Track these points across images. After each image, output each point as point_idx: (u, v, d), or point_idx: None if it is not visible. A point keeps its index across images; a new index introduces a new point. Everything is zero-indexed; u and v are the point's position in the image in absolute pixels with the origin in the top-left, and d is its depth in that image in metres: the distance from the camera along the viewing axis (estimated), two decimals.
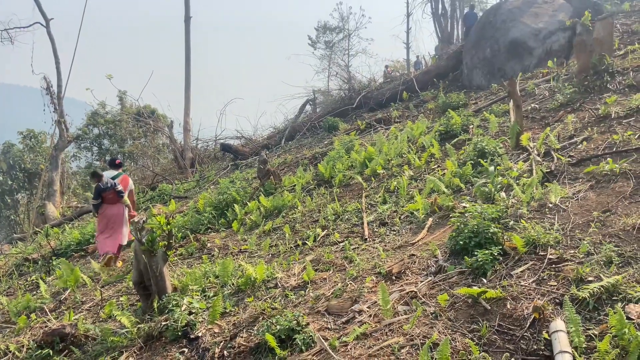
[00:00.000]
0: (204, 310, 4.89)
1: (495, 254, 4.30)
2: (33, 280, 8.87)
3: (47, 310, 6.37)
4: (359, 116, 16.48)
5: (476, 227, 4.66)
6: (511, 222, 4.91)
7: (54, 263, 9.75)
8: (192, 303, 4.95)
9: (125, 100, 30.34)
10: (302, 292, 4.81)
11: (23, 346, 5.03)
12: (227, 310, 4.78)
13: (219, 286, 5.41)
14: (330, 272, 5.15)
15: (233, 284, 5.33)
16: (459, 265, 4.48)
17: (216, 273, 5.68)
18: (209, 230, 8.34)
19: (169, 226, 5.05)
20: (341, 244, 5.84)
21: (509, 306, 3.76)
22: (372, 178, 8.02)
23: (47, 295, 7.27)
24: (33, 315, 6.26)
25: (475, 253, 4.37)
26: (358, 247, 5.64)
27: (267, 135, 18.82)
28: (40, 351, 4.78)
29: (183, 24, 19.77)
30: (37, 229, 15.31)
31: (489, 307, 3.79)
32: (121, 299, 5.93)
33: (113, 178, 8.13)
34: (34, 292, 8.24)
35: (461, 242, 4.61)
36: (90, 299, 6.66)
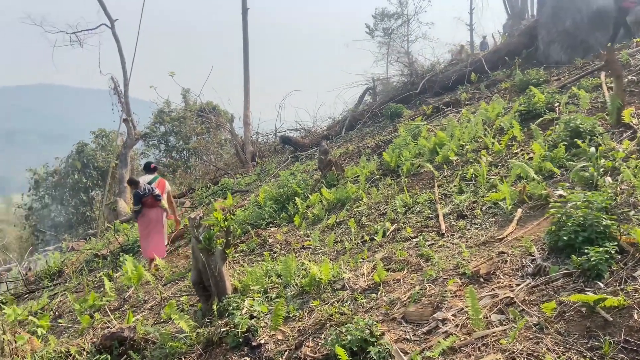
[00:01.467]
0: (266, 314, 4.46)
1: (612, 252, 3.52)
2: (100, 277, 8.93)
3: (108, 310, 6.24)
4: (424, 101, 15.57)
5: (582, 218, 3.88)
6: (625, 212, 4.07)
7: (121, 259, 9.83)
8: (253, 306, 4.53)
9: (188, 97, 31.00)
10: (374, 295, 4.25)
11: (83, 349, 4.85)
12: (291, 315, 4.31)
13: (282, 287, 4.97)
14: (405, 272, 4.55)
15: (296, 285, 4.86)
16: (563, 266, 3.73)
17: (278, 272, 5.25)
18: (270, 225, 7.97)
19: (227, 222, 4.66)
20: (414, 240, 5.21)
21: (636, 317, 3.01)
22: (444, 166, 7.28)
23: (111, 293, 7.20)
24: (97, 315, 6.15)
25: (585, 251, 3.61)
26: (434, 244, 4.98)
27: (326, 125, 18.34)
28: (99, 356, 4.56)
29: (241, 17, 19.65)
30: (108, 225, 15.81)
31: (610, 319, 3.06)
32: (182, 299, 5.65)
33: (150, 182, 8.12)
34: (100, 290, 8.28)
35: (565, 238, 3.85)
36: (152, 297, 6.48)
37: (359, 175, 8.58)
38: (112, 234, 12.48)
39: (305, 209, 7.81)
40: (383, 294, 4.23)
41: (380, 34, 38.06)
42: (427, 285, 4.09)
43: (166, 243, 8.47)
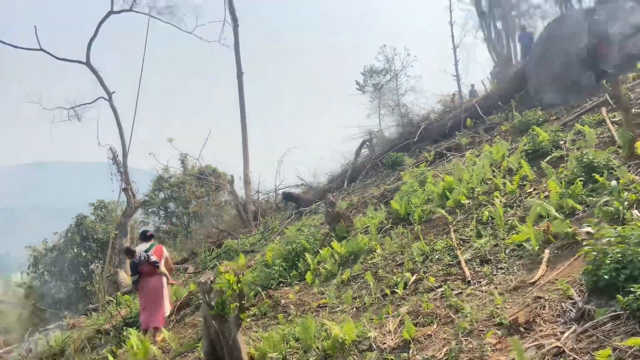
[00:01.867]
0: None
1: None
2: (104, 355, 8.43)
3: None
4: (423, 149, 15.59)
5: (620, 255, 3.63)
6: None
7: (124, 334, 9.34)
8: None
9: (187, 162, 31.17)
10: (405, 354, 3.91)
11: None
12: None
13: (302, 352, 4.61)
14: (435, 326, 4.22)
15: (318, 348, 4.51)
16: (608, 307, 3.45)
17: (296, 335, 4.89)
18: (281, 284, 7.62)
19: (239, 284, 4.37)
20: (439, 290, 4.90)
21: None
22: (457, 210, 7.07)
23: None
24: None
25: (631, 289, 3.34)
26: (461, 292, 4.68)
27: (327, 179, 18.27)
28: None
29: (236, 80, 20.09)
30: (109, 298, 15.29)
31: None
32: None
33: (146, 250, 8.04)
34: None
35: (606, 277, 3.58)
36: None
37: (368, 226, 8.34)
38: (114, 307, 12.00)
39: (317, 265, 7.50)
40: (415, 352, 3.89)
41: (371, 89, 39.03)
42: (462, 339, 3.77)
43: (168, 311, 8.30)
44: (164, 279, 8.16)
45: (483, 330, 3.81)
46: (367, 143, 25.82)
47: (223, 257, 13.40)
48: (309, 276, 7.09)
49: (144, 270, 7.87)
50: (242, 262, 4.31)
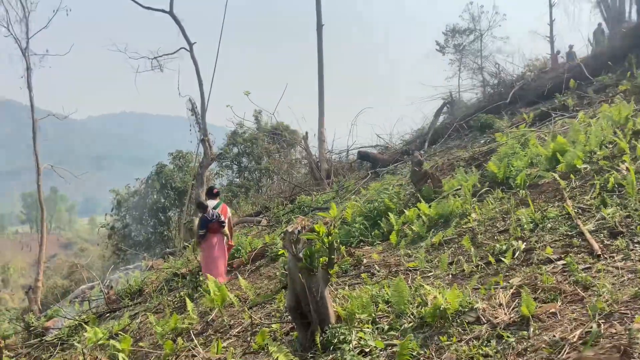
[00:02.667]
0: (382, 350, 3.64)
1: None
2: (181, 297, 8.53)
3: (193, 334, 5.69)
4: (516, 112, 14.32)
5: None
6: None
7: (201, 279, 9.43)
8: (364, 339, 3.74)
9: (260, 118, 31.36)
10: (524, 332, 3.30)
11: None
12: (414, 354, 3.46)
13: (394, 316, 4.13)
14: (559, 303, 3.56)
15: (413, 315, 4.01)
16: None
17: (387, 298, 4.42)
18: (361, 243, 7.18)
19: (330, 237, 3.93)
20: (560, 263, 4.19)
21: None
22: (571, 175, 6.17)
23: (194, 315, 6.69)
24: (180, 340, 5.61)
25: None
26: (590, 268, 3.95)
27: (405, 140, 17.43)
28: None
29: (315, 33, 19.42)
30: (185, 244, 15.77)
31: None
32: (273, 326, 4.96)
33: (214, 208, 8.22)
34: (182, 311, 7.84)
35: None
36: (238, 322, 5.86)
37: (458, 189, 7.62)
38: (191, 253, 12.22)
39: (401, 226, 6.96)
40: (537, 331, 3.28)
41: (452, 50, 36.64)
42: (600, 322, 3.10)
43: (224, 271, 8.55)
44: (224, 238, 8.41)
45: (627, 314, 3.11)
46: (448, 105, 24.46)
47: (296, 212, 13.21)
48: (393, 237, 6.57)
49: (211, 227, 8.06)
50: (334, 213, 3.86)
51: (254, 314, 5.88)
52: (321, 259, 4.00)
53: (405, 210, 7.24)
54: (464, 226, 6.05)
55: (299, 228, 4.22)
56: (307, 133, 19.57)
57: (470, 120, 14.22)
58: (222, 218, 8.19)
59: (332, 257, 3.99)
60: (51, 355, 8.62)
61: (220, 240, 8.31)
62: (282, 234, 4.35)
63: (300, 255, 3.98)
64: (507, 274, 4.35)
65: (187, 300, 6.81)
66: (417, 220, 6.70)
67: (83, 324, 10.29)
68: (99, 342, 7.63)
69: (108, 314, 10.95)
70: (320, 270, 4.00)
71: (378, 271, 5.66)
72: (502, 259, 4.60)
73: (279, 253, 7.74)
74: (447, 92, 21.44)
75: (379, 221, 7.39)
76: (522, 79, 15.67)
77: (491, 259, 4.66)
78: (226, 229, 8.39)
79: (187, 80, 23.79)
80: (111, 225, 28.96)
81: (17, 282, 45.48)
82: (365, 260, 6.21)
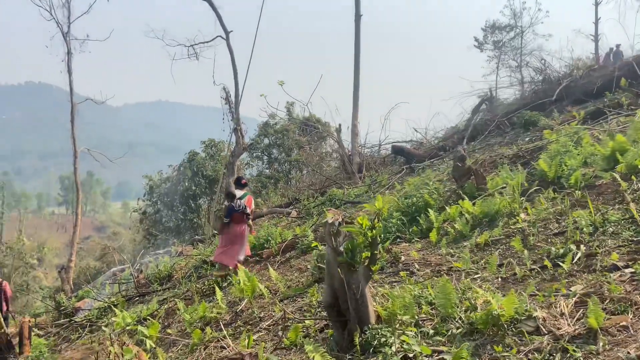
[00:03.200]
0: (427, 356, 3.34)
1: None
2: (210, 284, 8.40)
3: (222, 324, 5.51)
4: (562, 109, 13.64)
5: None
6: None
7: (231, 268, 9.29)
8: (408, 344, 3.44)
9: (292, 110, 31.22)
10: (592, 346, 2.94)
11: None
12: None
13: (439, 319, 3.81)
14: (631, 316, 3.18)
15: (461, 320, 3.68)
16: None
17: (430, 299, 4.11)
18: (398, 239, 6.85)
19: (374, 231, 3.63)
20: (627, 271, 3.78)
21: None
22: (633, 177, 5.68)
23: (222, 304, 6.52)
24: (208, 329, 5.43)
25: None
26: None
27: (441, 136, 16.92)
28: None
29: (353, 23, 19.03)
30: (215, 232, 15.74)
31: None
32: (306, 322, 4.71)
33: (240, 198, 8.39)
34: (210, 299, 7.70)
35: None
36: (268, 314, 5.65)
37: (503, 187, 7.19)
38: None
39: (442, 223, 6.60)
40: (607, 346, 2.91)
41: (491, 47, 35.56)
42: None
43: (243, 257, 8.74)
44: (247, 229, 8.62)
45: None
46: (486, 102, 23.70)
47: (327, 204, 12.95)
48: (433, 234, 6.22)
49: (235, 216, 8.21)
50: (380, 204, 3.54)
51: (286, 307, 5.65)
52: (363, 254, 3.71)
53: (446, 207, 6.86)
54: (512, 227, 5.65)
55: (340, 220, 3.94)
56: (340, 125, 19.26)
57: (514, 117, 13.61)
58: (248, 210, 8.38)
59: (375, 252, 3.70)
60: (80, 336, 8.65)
61: (242, 230, 8.44)
62: (322, 225, 4.08)
63: (341, 249, 3.70)
64: (567, 280, 3.96)
65: (217, 289, 6.64)
66: (460, 219, 6.32)
67: (112, 306, 10.34)
68: (127, 327, 7.58)
69: (137, 298, 10.97)
70: (361, 266, 3.71)
71: (418, 270, 5.34)
72: (560, 263, 4.20)
73: (312, 245, 7.49)
74: (485, 88, 20.78)
75: (417, 217, 7.04)
76: (569, 76, 14.92)
77: (547, 263, 4.27)
78: (250, 221, 8.60)
79: (222, 70, 23.75)
80: (143, 210, 29.39)
81: (52, 261, 46.93)
82: (403, 258, 5.89)
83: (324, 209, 12.40)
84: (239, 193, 8.59)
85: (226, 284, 8.58)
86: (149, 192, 28.76)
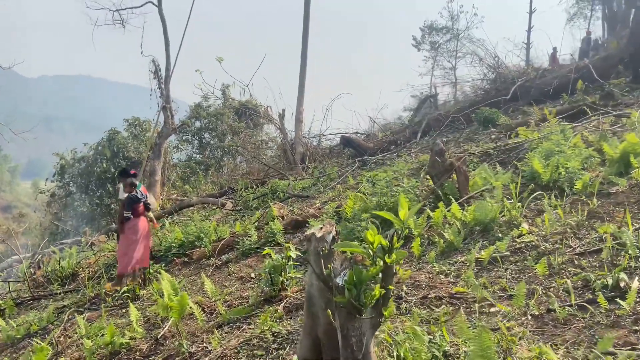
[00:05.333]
0: None
1: None
2: (124, 295, 6.68)
3: (135, 357, 3.94)
4: (517, 108, 13.13)
5: None
6: None
7: (151, 270, 7.59)
8: None
9: (228, 92, 29.25)
10: None
11: None
12: None
13: None
14: None
15: None
16: None
17: (448, 349, 2.84)
18: None
19: (392, 257, 2.28)
20: None
21: None
22: None
23: (138, 327, 4.90)
24: None
25: None
26: None
27: (392, 129, 15.96)
28: None
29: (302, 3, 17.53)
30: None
31: None
32: None
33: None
34: (123, 315, 6.02)
35: None
36: (201, 349, 4.13)
37: (486, 189, 6.16)
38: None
39: (423, 230, 5.40)
40: None
41: (427, 47, 35.75)
42: None
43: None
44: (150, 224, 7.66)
45: None
46: (431, 99, 23.24)
47: (270, 196, 11.47)
48: (416, 245, 4.98)
49: (137, 208, 7.16)
50: (405, 211, 2.26)
51: (227, 337, 4.17)
52: (375, 291, 2.34)
53: (428, 210, 5.67)
54: (518, 240, 4.54)
55: (333, 233, 2.54)
56: (283, 111, 17.76)
57: (471, 114, 12.86)
58: (149, 199, 7.48)
59: (390, 288, 2.34)
60: None
61: (146, 225, 7.39)
62: (304, 239, 2.67)
63: (338, 282, 2.31)
64: (638, 327, 2.85)
65: (131, 307, 4.98)
66: (448, 227, 5.14)
67: None
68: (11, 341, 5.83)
69: (31, 302, 8.92)
70: (368, 311, 2.34)
71: (406, 293, 4.07)
72: (621, 302, 3.08)
73: (263, 252, 6.05)
74: (424, 85, 20.25)
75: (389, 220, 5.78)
76: (523, 75, 14.47)
77: (601, 299, 3.13)
78: (150, 212, 7.64)
79: (152, 43, 21.33)
80: (52, 192, 26.08)
81: None
82: None
83: (267, 202, 10.94)
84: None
85: (144, 290, 6.92)
86: (60, 172, 25.51)
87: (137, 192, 7.14)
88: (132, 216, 7.11)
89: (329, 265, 2.40)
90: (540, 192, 5.43)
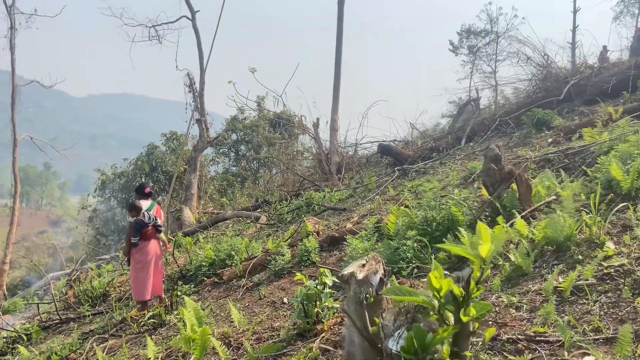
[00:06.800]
0: None
1: None
2: (149, 320, 6.17)
3: None
4: (572, 109, 12.06)
5: None
6: None
7: (179, 292, 7.08)
8: None
9: (264, 105, 29.07)
10: None
11: None
12: None
13: None
14: None
15: None
16: None
17: None
18: (417, 271, 4.82)
19: (470, 311, 1.57)
20: None
21: None
22: None
23: None
24: None
25: None
26: None
27: (432, 135, 15.07)
28: None
29: (337, 5, 17.00)
30: (169, 237, 13.35)
31: None
32: None
33: (148, 210, 6.98)
34: (147, 344, 5.49)
35: None
36: None
37: (553, 199, 5.31)
38: (173, 250, 9.82)
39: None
40: None
41: (465, 51, 34.53)
42: None
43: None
44: (162, 246, 7.28)
45: None
46: (472, 103, 22.16)
47: (304, 209, 10.86)
48: (475, 268, 4.19)
49: (146, 232, 6.83)
50: (487, 248, 1.65)
51: None
52: (444, 349, 1.63)
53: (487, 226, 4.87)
54: (604, 264, 3.70)
55: (378, 270, 1.85)
56: (318, 119, 17.20)
57: (521, 117, 11.88)
58: (159, 221, 7.04)
59: (466, 356, 1.62)
60: None
61: (158, 248, 7.07)
62: (341, 279, 2.00)
63: (393, 347, 1.61)
64: None
65: (148, 340, 4.42)
66: (514, 247, 4.34)
67: (24, 336, 7.99)
68: None
69: (60, 325, 8.60)
70: None
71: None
72: None
73: (295, 279, 5.42)
74: (463, 90, 19.29)
75: (442, 239, 5.03)
76: (577, 74, 13.35)
77: None
78: (163, 235, 7.28)
79: (187, 57, 21.33)
80: (94, 207, 26.49)
81: None
82: None
83: (302, 216, 10.33)
84: (144, 204, 7.05)
85: (171, 315, 6.39)
86: (101, 187, 25.88)
87: (144, 216, 6.77)
88: (139, 242, 6.78)
89: (377, 320, 1.71)
90: (623, 203, 4.55)
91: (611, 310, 3.18)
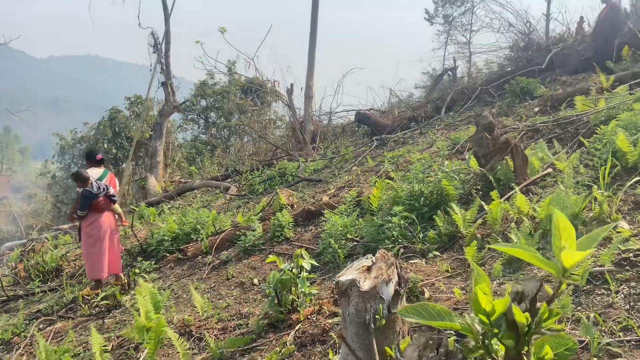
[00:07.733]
0: None
1: None
2: (101, 302, 5.52)
3: None
4: (554, 79, 11.67)
5: None
6: None
7: (137, 269, 6.43)
8: None
9: (234, 70, 27.82)
10: None
11: None
12: None
13: None
14: None
15: None
16: None
17: None
18: (406, 252, 4.31)
19: (525, 347, 1.01)
20: None
21: None
22: None
23: (101, 358, 3.71)
24: None
25: None
26: None
27: (414, 105, 14.51)
28: None
29: None
30: (132, 207, 12.52)
31: None
32: None
33: (99, 179, 6.27)
34: (99, 327, 4.86)
35: None
36: None
37: (547, 172, 4.86)
38: (131, 222, 9.06)
39: (476, 229, 4.12)
40: None
41: (441, 21, 33.81)
42: None
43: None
44: (117, 218, 6.49)
45: None
46: (449, 72, 21.70)
47: (277, 180, 10.23)
48: (470, 250, 3.69)
49: (98, 204, 6.06)
50: (575, 257, 1.19)
51: None
52: None
53: (480, 201, 4.37)
54: (621, 247, 3.24)
55: (395, 280, 1.26)
56: (292, 85, 16.35)
57: (504, 85, 11.41)
58: (112, 191, 6.28)
59: None
60: None
61: (113, 221, 6.34)
62: (336, 287, 1.41)
63: None
64: None
65: (92, 330, 3.78)
66: (515, 225, 3.85)
67: None
68: None
69: (7, 302, 7.83)
70: None
71: None
72: None
73: (268, 261, 4.84)
74: (437, 60, 18.73)
75: (430, 215, 4.51)
76: (562, 42, 12.92)
77: None
78: (117, 205, 6.51)
79: (154, 17, 19.85)
80: (52, 174, 25.11)
81: None
82: (427, 293, 3.36)
83: (275, 187, 9.70)
84: (96, 172, 6.34)
85: (127, 296, 5.76)
86: (60, 152, 24.46)
87: (92, 186, 5.99)
88: (88, 213, 6.03)
89: (389, 351, 1.13)
90: (630, 177, 4.10)
91: (637, 303, 2.72)
